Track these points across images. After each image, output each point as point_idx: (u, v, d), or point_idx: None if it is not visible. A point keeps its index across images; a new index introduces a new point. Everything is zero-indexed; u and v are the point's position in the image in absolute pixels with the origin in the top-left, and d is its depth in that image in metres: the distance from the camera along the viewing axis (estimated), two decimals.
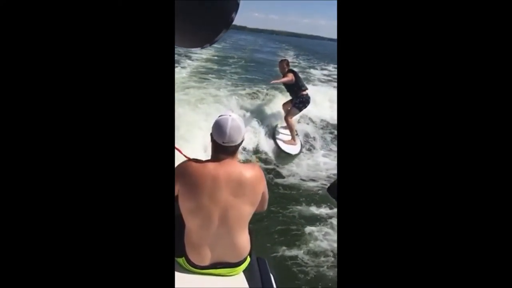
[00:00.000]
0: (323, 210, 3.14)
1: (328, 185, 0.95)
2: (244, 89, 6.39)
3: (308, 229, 2.83)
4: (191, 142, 3.32)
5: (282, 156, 3.87)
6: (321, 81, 10.17)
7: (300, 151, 4.02)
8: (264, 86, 6.29)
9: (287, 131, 4.16)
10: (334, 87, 8.37)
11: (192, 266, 1.13)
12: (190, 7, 0.75)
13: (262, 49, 23.38)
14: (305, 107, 4.09)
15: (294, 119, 4.16)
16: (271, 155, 4.00)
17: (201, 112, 4.41)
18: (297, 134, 4.22)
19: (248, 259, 1.19)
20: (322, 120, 4.98)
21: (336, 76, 11.84)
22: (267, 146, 4.05)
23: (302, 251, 2.51)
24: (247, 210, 1.11)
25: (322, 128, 4.89)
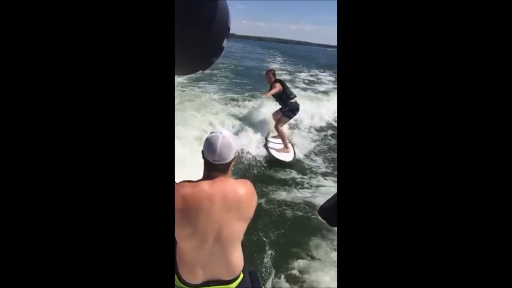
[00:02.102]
0: (289, 176, 3.70)
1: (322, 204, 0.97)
2: (234, 95, 6.68)
3: (273, 186, 3.40)
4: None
5: (277, 163, 3.89)
6: (306, 83, 10.76)
7: (294, 158, 4.01)
8: (251, 93, 6.51)
9: (279, 140, 4.17)
10: (319, 91, 8.93)
11: (184, 284, 1.12)
12: (184, 38, 0.76)
13: (251, 55, 23.92)
14: (295, 114, 4.14)
15: (284, 127, 4.18)
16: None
17: (192, 114, 4.63)
18: (289, 142, 4.24)
19: (241, 276, 1.18)
20: (308, 116, 5.42)
21: (320, 78, 12.46)
22: (257, 152, 4.06)
23: (264, 200, 3.08)
24: (241, 227, 1.10)
25: (305, 123, 5.30)
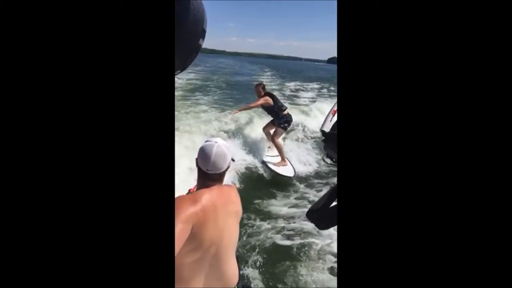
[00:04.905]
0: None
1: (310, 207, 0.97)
2: (225, 107, 7.06)
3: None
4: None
5: (279, 178, 3.88)
6: (292, 91, 11.87)
7: (295, 173, 3.99)
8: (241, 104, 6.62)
9: (275, 153, 4.18)
10: (304, 97, 9.85)
11: None
12: None
13: (241, 70, 24.77)
14: (290, 125, 4.16)
15: (280, 139, 4.22)
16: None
17: (186, 123, 4.83)
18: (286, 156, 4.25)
19: None
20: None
21: (306, 87, 13.50)
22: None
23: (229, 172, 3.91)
24: (237, 228, 1.13)
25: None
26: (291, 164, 4.15)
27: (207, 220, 0.98)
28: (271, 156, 4.22)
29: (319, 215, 0.90)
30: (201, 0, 0.85)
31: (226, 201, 1.06)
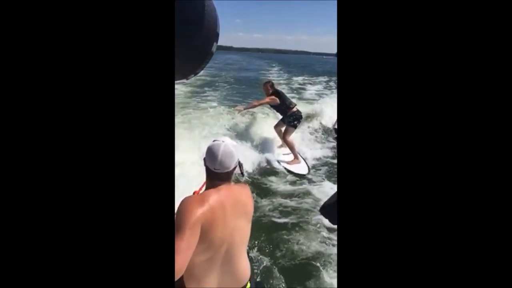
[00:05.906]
0: None
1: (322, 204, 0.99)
2: (233, 103, 6.87)
3: None
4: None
5: (293, 177, 3.76)
6: (300, 84, 12.13)
7: (309, 170, 3.88)
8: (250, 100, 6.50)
9: (287, 151, 4.13)
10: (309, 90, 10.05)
11: None
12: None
13: (248, 66, 24.89)
14: (299, 122, 4.04)
15: (292, 137, 4.12)
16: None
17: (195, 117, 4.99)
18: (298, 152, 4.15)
19: (249, 285, 1.19)
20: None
21: (313, 81, 13.67)
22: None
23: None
24: (248, 229, 1.14)
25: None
26: (305, 161, 4.07)
27: (216, 219, 0.99)
28: (283, 154, 4.17)
29: (332, 211, 0.91)
30: (211, 1, 0.85)
31: (235, 201, 1.06)
